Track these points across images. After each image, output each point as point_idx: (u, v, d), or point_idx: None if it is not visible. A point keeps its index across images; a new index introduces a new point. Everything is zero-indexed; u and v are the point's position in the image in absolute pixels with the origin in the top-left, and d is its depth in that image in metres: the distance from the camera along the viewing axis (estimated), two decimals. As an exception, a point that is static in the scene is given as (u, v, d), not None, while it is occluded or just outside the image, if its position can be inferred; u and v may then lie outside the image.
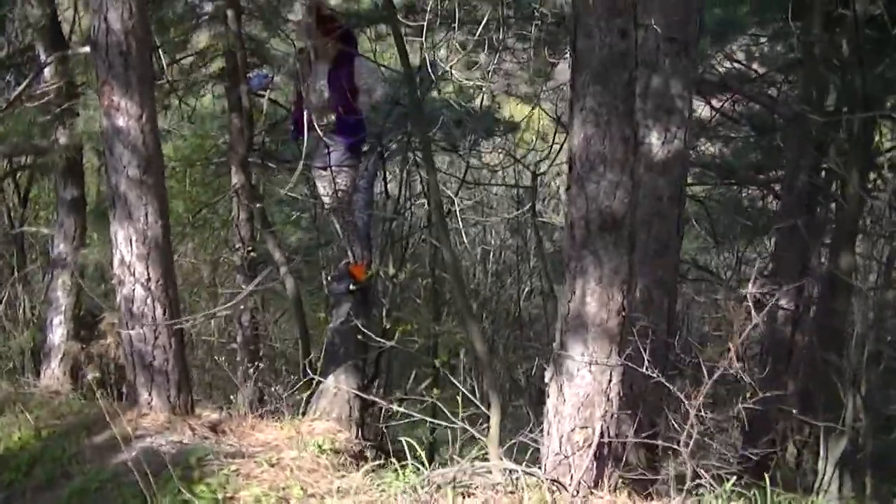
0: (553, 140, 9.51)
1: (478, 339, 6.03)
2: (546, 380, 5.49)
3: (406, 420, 8.54)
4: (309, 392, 8.58)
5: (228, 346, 11.49)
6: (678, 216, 7.65)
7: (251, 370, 9.74)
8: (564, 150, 11.45)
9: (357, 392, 8.38)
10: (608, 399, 5.23)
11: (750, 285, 5.41)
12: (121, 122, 6.88)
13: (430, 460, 7.39)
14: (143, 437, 6.89)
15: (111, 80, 6.86)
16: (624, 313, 5.20)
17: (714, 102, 13.18)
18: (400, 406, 8.71)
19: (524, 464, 5.70)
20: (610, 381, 5.23)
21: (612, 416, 5.26)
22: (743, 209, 13.90)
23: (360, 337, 8.30)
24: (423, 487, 5.45)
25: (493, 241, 17.99)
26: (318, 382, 8.51)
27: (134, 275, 7.09)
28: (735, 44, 13.00)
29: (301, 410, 8.48)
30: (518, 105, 13.86)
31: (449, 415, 6.53)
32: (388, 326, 9.53)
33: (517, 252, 17.42)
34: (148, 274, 7.09)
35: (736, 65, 13.31)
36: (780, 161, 12.60)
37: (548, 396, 5.49)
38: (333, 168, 8.81)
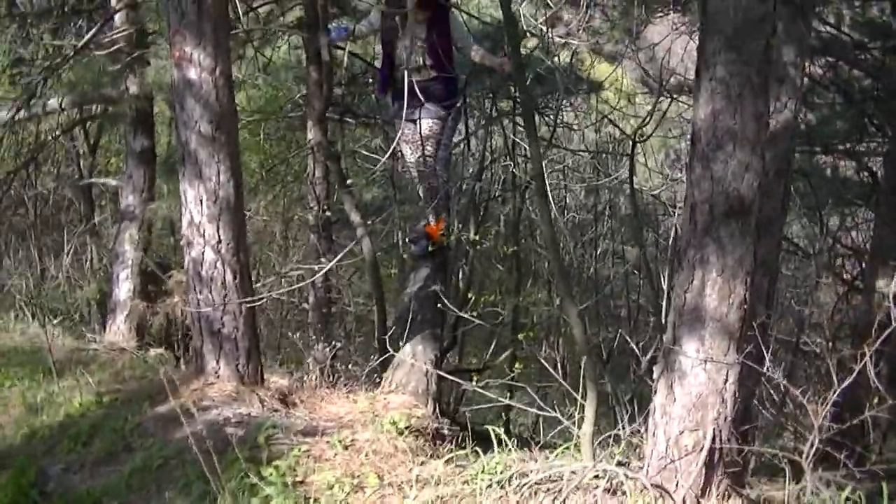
0: (654, 106, 8.89)
1: (578, 327, 5.52)
2: (654, 376, 4.98)
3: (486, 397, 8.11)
4: (383, 360, 8.19)
5: (300, 306, 11.09)
6: (784, 192, 7.11)
7: (322, 335, 9.40)
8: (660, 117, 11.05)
9: (434, 367, 7.92)
10: (723, 400, 4.71)
11: (893, 285, 4.78)
12: (192, 74, 6.44)
13: (507, 433, 6.99)
14: (209, 409, 6.52)
15: (183, 30, 6.42)
16: (746, 307, 4.66)
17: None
18: (478, 379, 8.25)
19: (616, 461, 5.24)
20: (726, 380, 4.69)
21: (725, 419, 4.74)
22: (833, 180, 13.18)
23: (438, 305, 7.91)
24: (510, 484, 4.99)
25: (569, 201, 17.37)
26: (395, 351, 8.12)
27: (203, 237, 6.68)
28: (827, 6, 12.24)
29: (376, 380, 8.10)
30: (601, 63, 13.29)
31: (536, 398, 6.04)
32: (469, 295, 9.03)
33: (593, 212, 16.84)
34: (218, 236, 6.68)
35: (827, 28, 12.56)
36: (868, 131, 11.90)
37: (654, 394, 4.98)
38: (420, 127, 8.28)
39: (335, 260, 7.11)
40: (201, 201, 6.62)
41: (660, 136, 14.26)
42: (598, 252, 16.94)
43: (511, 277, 11.80)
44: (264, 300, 9.79)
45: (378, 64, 9.28)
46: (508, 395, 8.14)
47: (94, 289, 11.30)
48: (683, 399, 4.75)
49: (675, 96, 10.99)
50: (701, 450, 4.68)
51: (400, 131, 8.30)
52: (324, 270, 7.34)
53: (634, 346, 7.80)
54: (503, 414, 9.13)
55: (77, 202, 13.57)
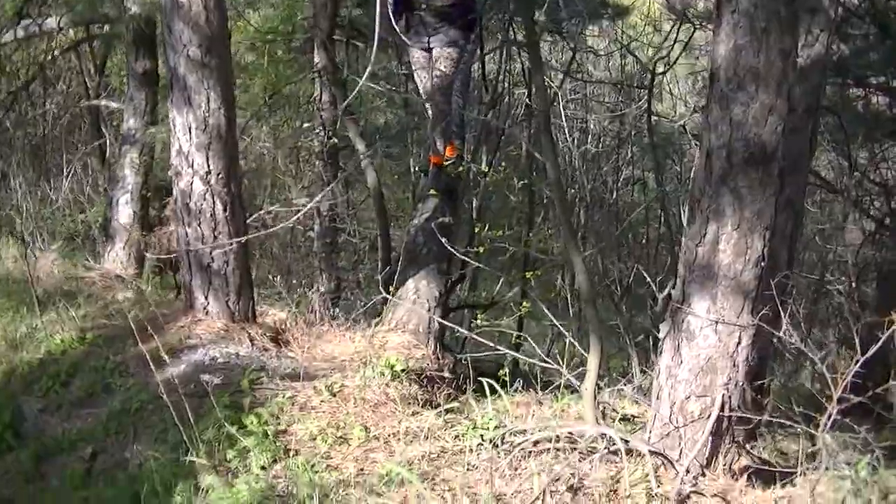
0: (675, 36, 8.41)
1: (582, 274, 5.14)
2: (661, 335, 4.59)
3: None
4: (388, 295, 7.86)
5: (305, 234, 10.73)
6: (812, 130, 6.63)
7: (327, 265, 9.09)
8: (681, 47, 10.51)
9: (438, 304, 7.59)
10: (734, 365, 4.31)
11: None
12: (181, -6, 6.04)
13: (514, 373, 6.64)
14: (196, 348, 6.23)
15: (170, -56, 6.02)
16: (763, 265, 4.24)
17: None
18: (482, 319, 7.91)
19: (618, 419, 4.89)
20: (738, 343, 4.28)
21: (736, 384, 4.34)
22: (863, 114, 12.57)
23: (445, 238, 7.56)
24: (503, 443, 4.65)
25: (592, 126, 16.81)
26: (397, 286, 7.78)
27: (192, 167, 6.32)
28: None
29: (378, 316, 7.78)
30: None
31: (538, 350, 5.69)
32: (476, 230, 8.62)
33: (617, 138, 16.32)
34: (208, 166, 6.31)
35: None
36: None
37: (660, 354, 4.59)
38: (435, 53, 7.80)
39: (328, 188, 6.75)
40: (190, 129, 6.26)
41: (685, 63, 13.71)
42: (621, 180, 16.50)
43: (522, 212, 11.41)
44: (269, 216, 9.49)
45: None
46: (515, 336, 7.75)
47: (96, 213, 10.94)
48: (691, 362, 4.36)
49: (700, 23, 10.39)
50: (708, 417, 4.31)
51: (414, 57, 7.86)
52: (316, 200, 6.98)
53: (651, 282, 7.46)
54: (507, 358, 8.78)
55: (84, 123, 13.21)
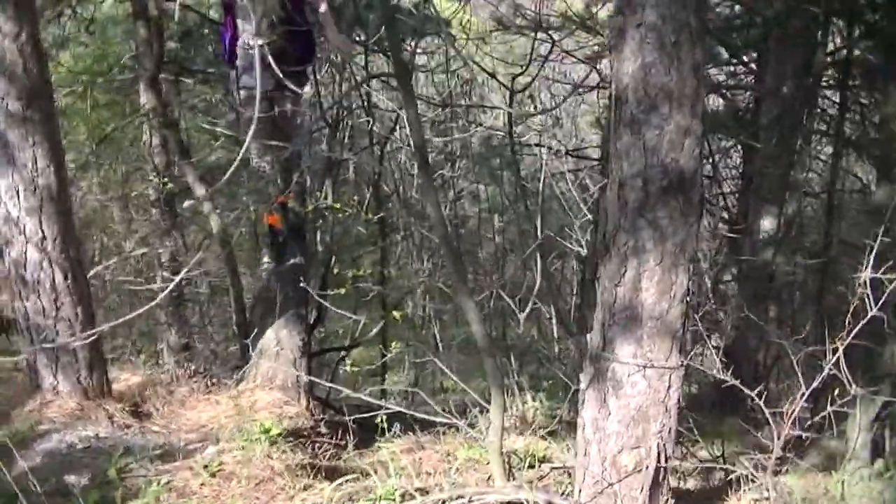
0: (532, 48, 8.06)
1: (477, 323, 4.72)
2: (582, 387, 4.19)
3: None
4: (244, 348, 7.32)
5: (147, 287, 10.03)
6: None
7: (175, 320, 8.49)
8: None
9: (302, 353, 7.10)
10: (666, 410, 3.96)
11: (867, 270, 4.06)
12: (-8, 42, 5.40)
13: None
14: (49, 434, 5.58)
15: (-25, -11, 5.37)
16: (688, 300, 3.90)
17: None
18: (352, 364, 7.45)
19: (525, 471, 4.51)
20: (669, 387, 3.95)
21: (670, 430, 3.99)
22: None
23: (300, 280, 7.07)
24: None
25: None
26: (255, 336, 7.26)
27: (24, 233, 5.67)
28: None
29: (240, 373, 7.24)
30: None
31: (433, 404, 5.27)
32: (332, 269, 8.13)
33: (444, 154, 15.99)
34: (42, 232, 5.67)
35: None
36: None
37: (582, 406, 4.20)
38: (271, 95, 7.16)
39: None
40: (17, 192, 5.61)
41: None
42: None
43: (373, 242, 10.86)
44: (106, 273, 8.82)
45: (219, 16, 7.95)
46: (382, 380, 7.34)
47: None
48: (620, 412, 3.99)
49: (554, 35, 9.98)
50: (646, 469, 3.93)
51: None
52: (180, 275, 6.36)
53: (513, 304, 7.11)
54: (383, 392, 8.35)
55: None
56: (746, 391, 4.07)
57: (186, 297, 9.55)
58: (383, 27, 5.73)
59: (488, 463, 4.98)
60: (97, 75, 9.97)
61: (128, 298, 10.06)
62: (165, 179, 8.48)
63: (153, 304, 5.33)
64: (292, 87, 6.96)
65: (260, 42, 6.44)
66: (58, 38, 10.17)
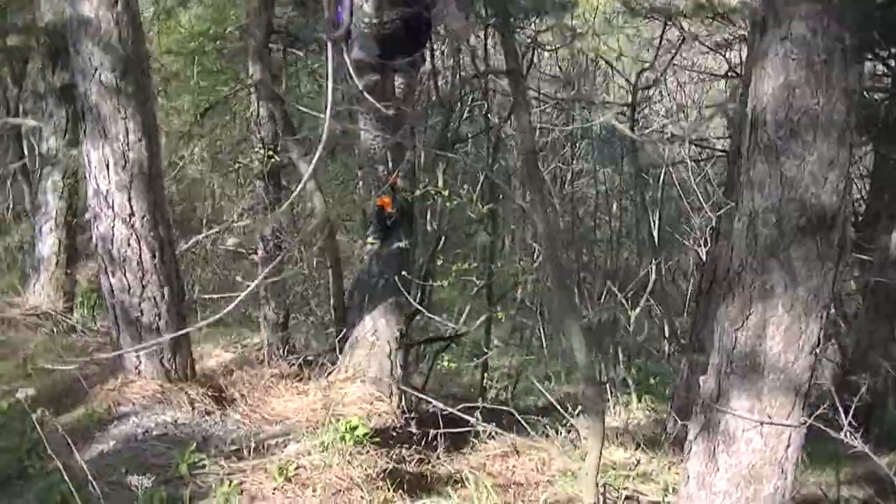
0: (659, 43, 7.58)
1: (580, 348, 4.33)
2: (689, 436, 3.78)
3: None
4: (341, 335, 7.05)
5: (248, 257, 9.81)
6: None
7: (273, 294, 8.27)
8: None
9: (399, 344, 6.80)
10: (782, 472, 3.50)
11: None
12: (87, 9, 5.16)
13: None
14: (127, 417, 5.41)
15: (74, -49, 5.14)
16: (818, 352, 3.44)
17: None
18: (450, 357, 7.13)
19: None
20: (788, 447, 3.49)
21: (784, 494, 3.54)
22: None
23: (403, 266, 6.80)
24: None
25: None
26: (352, 322, 6.99)
27: (112, 208, 5.45)
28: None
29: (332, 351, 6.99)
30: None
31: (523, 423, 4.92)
32: (437, 261, 7.80)
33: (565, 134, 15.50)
34: (130, 207, 5.46)
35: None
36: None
37: (688, 457, 3.78)
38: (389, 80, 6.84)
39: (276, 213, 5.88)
40: (108, 166, 5.40)
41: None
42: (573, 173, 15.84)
43: (484, 239, 10.44)
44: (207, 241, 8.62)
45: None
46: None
47: (21, 238, 10.04)
48: (730, 471, 3.56)
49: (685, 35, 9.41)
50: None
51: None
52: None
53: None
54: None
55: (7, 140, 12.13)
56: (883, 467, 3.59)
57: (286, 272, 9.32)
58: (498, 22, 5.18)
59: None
60: (214, 39, 9.77)
61: (229, 268, 9.93)
62: (271, 152, 8.22)
63: (248, 291, 5.06)
64: (405, 65, 6.71)
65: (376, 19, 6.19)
66: (176, -1, 10.01)
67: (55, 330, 7.75)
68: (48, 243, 8.88)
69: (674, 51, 7.42)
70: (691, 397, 4.16)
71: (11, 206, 10.72)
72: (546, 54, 13.76)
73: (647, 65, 8.60)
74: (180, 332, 5.37)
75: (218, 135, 10.17)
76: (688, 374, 6.45)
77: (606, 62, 10.81)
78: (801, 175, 3.32)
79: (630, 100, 7.32)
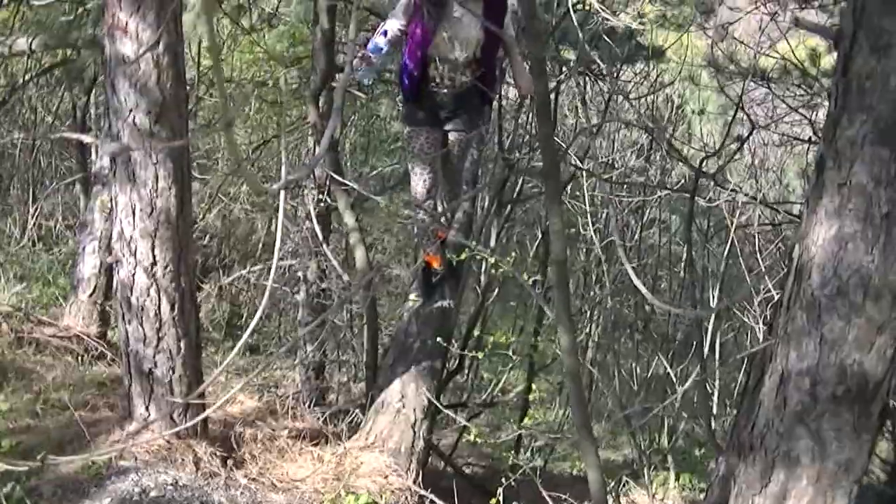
0: (727, 129, 7.27)
1: (594, 469, 3.97)
2: None
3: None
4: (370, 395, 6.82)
5: (290, 298, 9.61)
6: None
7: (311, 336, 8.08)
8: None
9: (426, 414, 6.52)
10: None
11: None
12: (127, 49, 4.95)
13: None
14: (127, 473, 5.19)
15: (117, -12, 4.94)
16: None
17: None
18: (477, 432, 6.84)
19: None
20: None
21: None
22: None
23: (443, 330, 6.58)
24: None
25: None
26: (381, 383, 6.75)
27: (135, 255, 5.24)
28: None
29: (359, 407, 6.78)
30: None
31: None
32: (478, 333, 7.52)
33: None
34: (153, 256, 5.24)
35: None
36: None
37: None
38: (450, 138, 6.64)
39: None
40: (134, 211, 5.19)
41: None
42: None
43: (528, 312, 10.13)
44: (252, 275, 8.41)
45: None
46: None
47: (66, 255, 9.91)
48: None
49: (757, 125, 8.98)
50: None
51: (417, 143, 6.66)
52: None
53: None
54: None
55: (60, 154, 12.06)
56: None
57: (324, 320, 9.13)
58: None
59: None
60: (282, 64, 9.60)
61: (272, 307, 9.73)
62: (322, 193, 8.03)
63: (284, 348, 4.82)
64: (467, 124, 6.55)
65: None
66: (264, 14, 9.84)
67: (83, 357, 7.57)
68: (89, 264, 8.72)
69: (750, 131, 7.10)
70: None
71: (61, 218, 10.59)
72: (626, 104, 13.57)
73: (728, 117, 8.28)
74: (190, 398, 5.13)
75: (267, 170, 10.00)
76: (724, 471, 6.09)
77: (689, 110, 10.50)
78: (844, 338, 2.98)
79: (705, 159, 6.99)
